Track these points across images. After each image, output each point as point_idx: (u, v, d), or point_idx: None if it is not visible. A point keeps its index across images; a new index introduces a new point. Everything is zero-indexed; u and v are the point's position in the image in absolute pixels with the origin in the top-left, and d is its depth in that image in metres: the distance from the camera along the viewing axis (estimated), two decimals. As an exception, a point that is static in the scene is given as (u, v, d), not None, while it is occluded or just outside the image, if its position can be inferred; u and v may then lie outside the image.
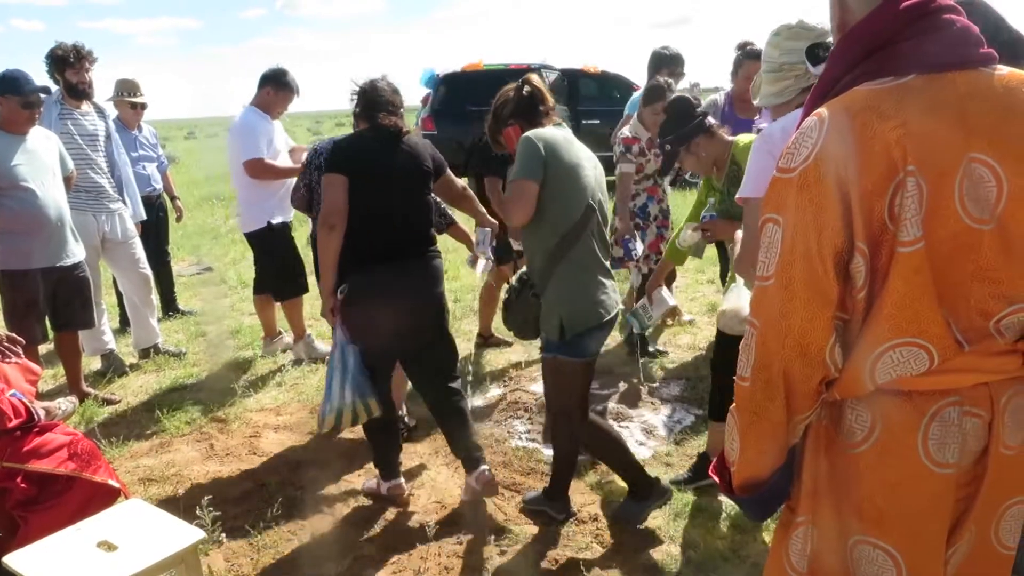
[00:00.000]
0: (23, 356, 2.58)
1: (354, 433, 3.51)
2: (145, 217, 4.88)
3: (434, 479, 3.22)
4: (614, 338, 4.79)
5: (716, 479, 1.38)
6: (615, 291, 2.67)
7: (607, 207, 2.70)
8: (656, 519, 2.83)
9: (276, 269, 4.59)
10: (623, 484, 3.01)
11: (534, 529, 2.81)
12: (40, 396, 3.19)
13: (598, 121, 10.86)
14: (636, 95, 4.96)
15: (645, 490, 2.79)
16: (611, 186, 3.66)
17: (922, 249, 1.11)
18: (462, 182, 3.17)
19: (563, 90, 11.62)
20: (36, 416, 2.29)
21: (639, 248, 4.15)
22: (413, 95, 11.31)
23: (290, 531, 2.87)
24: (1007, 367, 1.19)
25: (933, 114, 1.12)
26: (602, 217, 2.62)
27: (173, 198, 5.69)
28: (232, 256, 7.91)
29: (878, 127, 1.11)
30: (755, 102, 2.20)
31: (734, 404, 1.28)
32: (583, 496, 3.04)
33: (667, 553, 2.64)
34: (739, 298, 2.09)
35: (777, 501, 1.34)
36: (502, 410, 3.91)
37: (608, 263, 2.66)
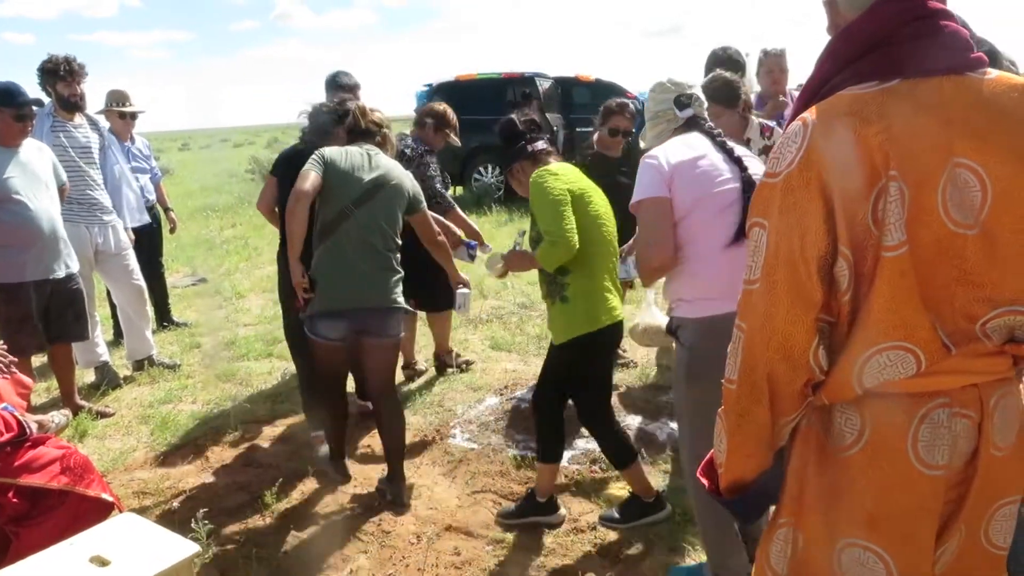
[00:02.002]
0: (16, 370, 2.57)
1: (351, 447, 3.52)
2: (150, 220, 4.87)
3: (431, 489, 3.20)
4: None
5: (704, 481, 1.38)
6: (368, 289, 2.92)
7: (379, 215, 2.91)
8: (657, 528, 2.82)
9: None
10: (622, 492, 3.00)
11: (532, 539, 2.80)
12: (33, 409, 3.17)
13: (592, 128, 10.90)
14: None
15: (338, 461, 3.26)
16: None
17: (907, 253, 1.11)
18: None
19: (557, 98, 11.64)
20: (28, 430, 2.28)
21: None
22: (407, 105, 11.34)
23: (286, 543, 2.85)
24: (996, 368, 1.19)
25: (917, 119, 1.12)
26: (372, 224, 2.91)
27: (167, 209, 5.68)
28: (227, 267, 7.89)
29: (861, 132, 1.11)
30: (642, 146, 2.48)
31: (722, 407, 1.29)
32: (581, 505, 3.03)
33: (668, 562, 2.63)
34: (653, 316, 2.24)
35: (764, 503, 1.34)
36: (499, 419, 3.89)
37: (374, 263, 2.93)
